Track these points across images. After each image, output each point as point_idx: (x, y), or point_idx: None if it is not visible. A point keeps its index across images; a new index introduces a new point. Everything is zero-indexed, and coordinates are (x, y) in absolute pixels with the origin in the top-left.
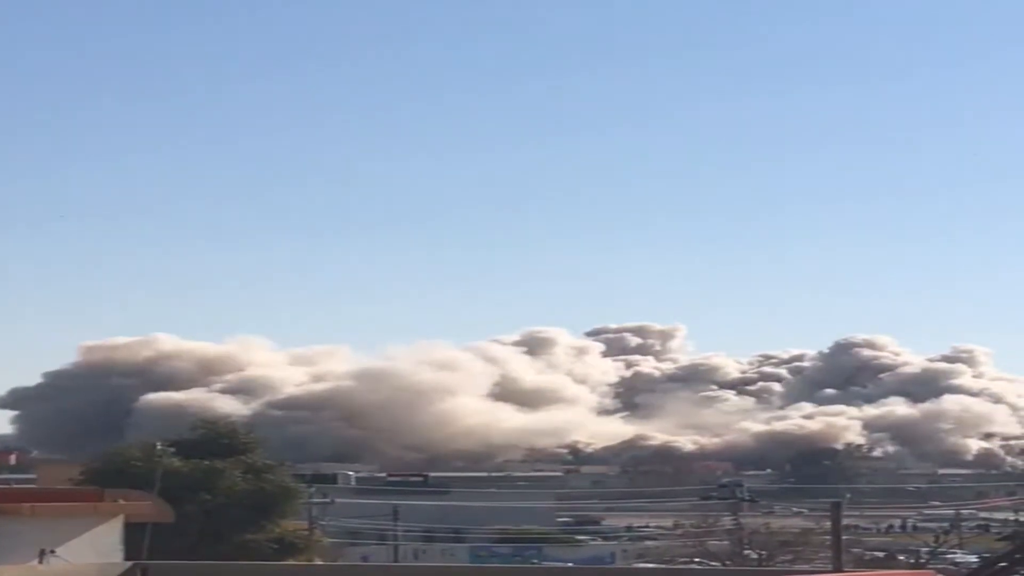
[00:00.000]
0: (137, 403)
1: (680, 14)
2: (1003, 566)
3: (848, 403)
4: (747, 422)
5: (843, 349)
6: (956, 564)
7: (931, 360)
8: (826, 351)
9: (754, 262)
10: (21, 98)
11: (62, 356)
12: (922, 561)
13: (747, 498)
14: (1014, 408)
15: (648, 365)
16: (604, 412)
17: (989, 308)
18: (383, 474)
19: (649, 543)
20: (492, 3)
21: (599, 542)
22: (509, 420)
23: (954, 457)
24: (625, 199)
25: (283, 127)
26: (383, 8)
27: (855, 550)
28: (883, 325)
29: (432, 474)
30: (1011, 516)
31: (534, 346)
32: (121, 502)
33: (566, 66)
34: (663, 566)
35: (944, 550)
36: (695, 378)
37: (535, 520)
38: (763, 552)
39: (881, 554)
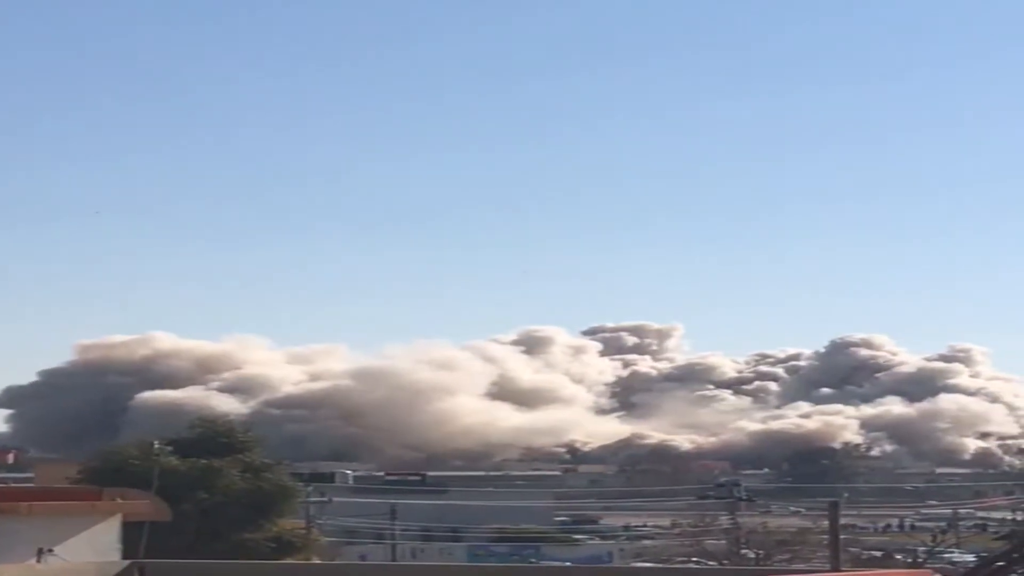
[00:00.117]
0: (133, 401)
1: (680, 14)
2: (1000, 565)
3: (845, 402)
4: (744, 421)
5: (839, 348)
6: (954, 563)
7: (928, 359)
8: (822, 350)
9: (751, 262)
10: (20, 98)
11: (59, 355)
12: (920, 560)
13: (744, 497)
14: (1011, 408)
15: (645, 364)
16: (601, 411)
17: (986, 307)
18: (381, 473)
19: (647, 542)
20: (492, 3)
21: (597, 541)
22: (507, 419)
23: (951, 456)
24: (622, 199)
25: (281, 126)
26: (382, 8)
27: (852, 549)
28: (880, 324)
29: (430, 473)
30: (1008, 515)
31: (531, 345)
32: (119, 501)
33: (563, 65)
34: (660, 565)
35: (942, 549)
36: (692, 377)
37: (533, 519)
38: (760, 551)
39: (879, 553)
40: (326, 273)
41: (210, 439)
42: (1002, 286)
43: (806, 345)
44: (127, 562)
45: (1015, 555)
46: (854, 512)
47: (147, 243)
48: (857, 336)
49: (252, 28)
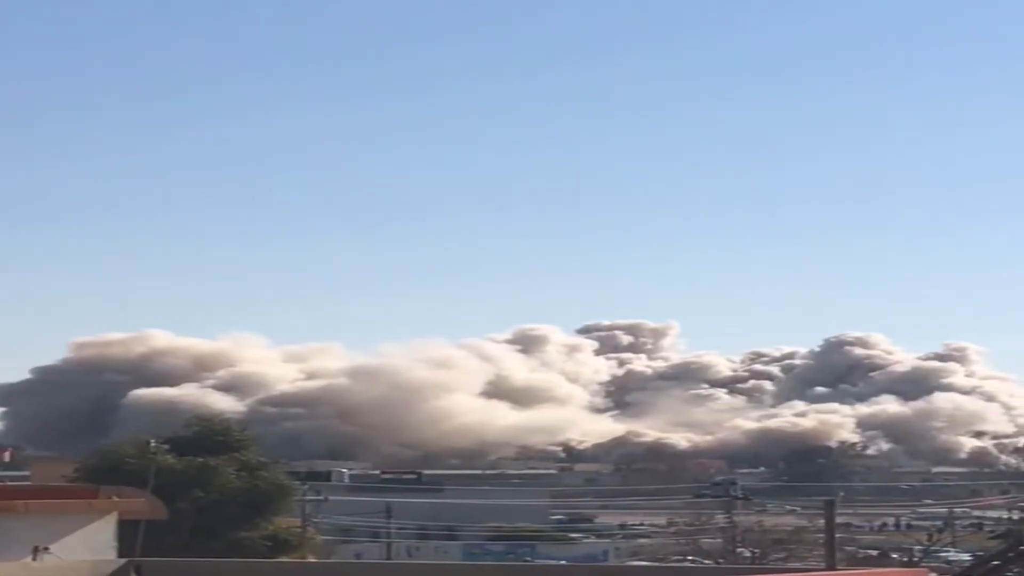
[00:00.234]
0: (126, 399)
1: (680, 14)
2: (996, 564)
3: (840, 401)
4: (740, 420)
5: (835, 347)
6: (949, 562)
7: (923, 358)
8: (817, 349)
9: (746, 260)
10: (20, 98)
11: (53, 352)
12: (915, 559)
13: (740, 496)
14: (1006, 407)
15: (640, 363)
16: (596, 410)
17: (982, 306)
18: (377, 471)
19: (642, 541)
20: (492, 3)
21: (592, 540)
22: (503, 418)
23: (947, 455)
24: (616, 197)
25: (276, 124)
26: (382, 8)
27: (848, 548)
28: (875, 323)
29: (426, 472)
30: (1004, 515)
31: (527, 344)
32: (115, 499)
33: (560, 65)
34: (656, 564)
35: (938, 548)
36: (687, 376)
37: (528, 518)
38: (756, 550)
39: (874, 552)
40: (322, 271)
41: (206, 437)
42: (998, 285)
43: (801, 344)
44: (123, 560)
45: (1011, 554)
46: (850, 511)
47: (143, 241)
48: (852, 335)
49: (251, 28)
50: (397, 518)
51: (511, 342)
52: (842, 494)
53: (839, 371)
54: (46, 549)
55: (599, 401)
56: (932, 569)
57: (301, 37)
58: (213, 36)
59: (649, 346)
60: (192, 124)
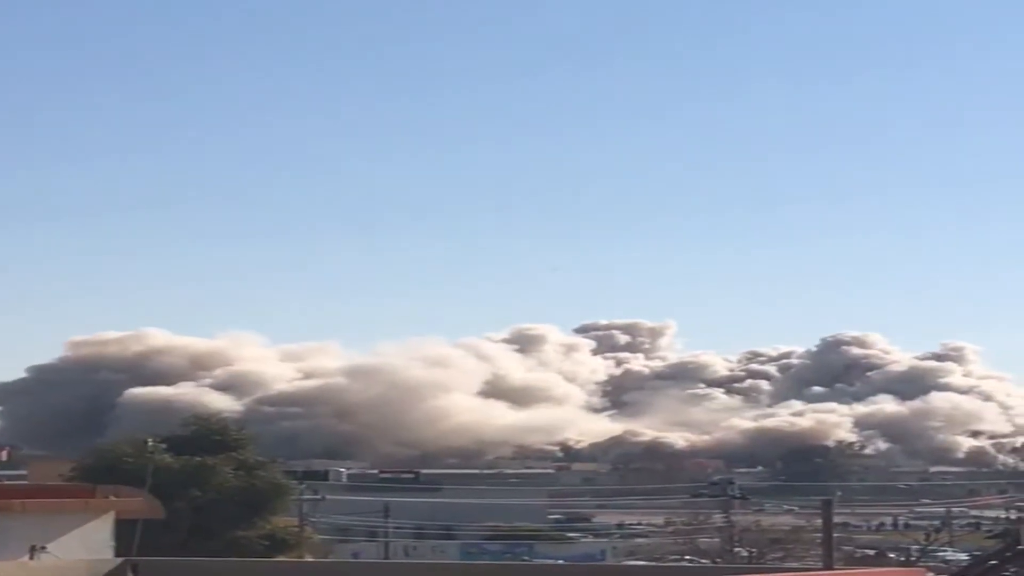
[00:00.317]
0: (122, 398)
1: (679, 14)
2: (993, 564)
3: (837, 401)
4: (737, 419)
5: (832, 347)
6: (947, 562)
7: (920, 358)
8: (815, 349)
9: (743, 260)
10: (20, 98)
11: (50, 351)
12: (913, 559)
13: (738, 495)
14: (1003, 406)
15: (638, 362)
16: (594, 409)
17: (979, 306)
18: (374, 471)
19: (640, 540)
20: (492, 3)
21: (590, 539)
22: (500, 417)
23: (945, 455)
24: (614, 197)
25: (274, 124)
26: (382, 8)
27: (846, 548)
28: (872, 322)
29: (423, 471)
30: (1002, 514)
31: (524, 343)
32: (112, 498)
33: (560, 65)
34: (654, 563)
35: (935, 548)
36: (684, 376)
37: (526, 517)
38: (754, 550)
39: (872, 552)
40: (320, 270)
41: (203, 437)
42: (995, 284)
43: (798, 343)
44: (120, 560)
45: (1008, 554)
46: (847, 510)
47: (140, 240)
48: (849, 334)
49: (251, 28)
50: (395, 517)
51: (508, 341)
52: (839, 494)
53: (836, 371)
54: (43, 548)
55: (596, 400)
56: (929, 569)
57: (301, 37)
58: (213, 36)
59: (646, 346)
60: (191, 124)
